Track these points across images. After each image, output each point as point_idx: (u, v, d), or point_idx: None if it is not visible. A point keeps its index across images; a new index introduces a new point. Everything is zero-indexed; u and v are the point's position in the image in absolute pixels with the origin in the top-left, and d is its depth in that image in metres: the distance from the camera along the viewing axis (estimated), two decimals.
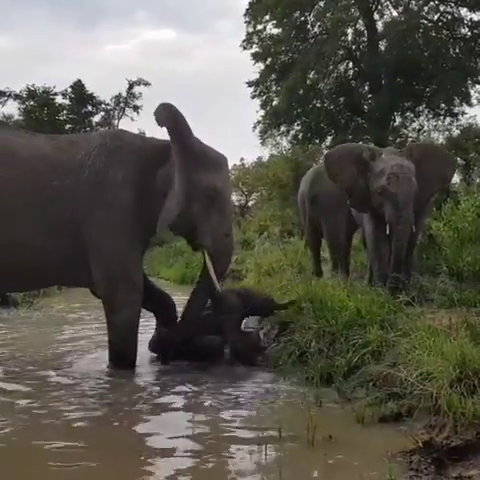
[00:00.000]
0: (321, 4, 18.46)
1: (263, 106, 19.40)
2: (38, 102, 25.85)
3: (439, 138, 18.88)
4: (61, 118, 26.49)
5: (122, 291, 5.50)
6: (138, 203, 5.49)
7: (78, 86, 26.67)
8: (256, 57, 19.08)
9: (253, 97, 19.41)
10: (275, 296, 6.13)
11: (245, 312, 5.89)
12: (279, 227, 15.09)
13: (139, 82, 27.40)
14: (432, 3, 18.34)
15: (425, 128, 19.40)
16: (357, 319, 4.93)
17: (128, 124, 30.50)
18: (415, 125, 19.57)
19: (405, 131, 19.56)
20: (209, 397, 4.59)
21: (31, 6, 52.01)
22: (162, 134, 5.73)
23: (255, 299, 5.93)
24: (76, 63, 43.71)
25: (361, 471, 3.03)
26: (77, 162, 5.48)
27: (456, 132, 19.00)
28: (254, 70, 19.23)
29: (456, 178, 17.09)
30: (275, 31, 19.12)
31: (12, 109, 30.23)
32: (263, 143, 20.23)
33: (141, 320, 5.74)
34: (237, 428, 3.91)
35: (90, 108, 27.41)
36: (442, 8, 18.35)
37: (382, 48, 18.45)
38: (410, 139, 18.61)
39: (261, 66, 19.19)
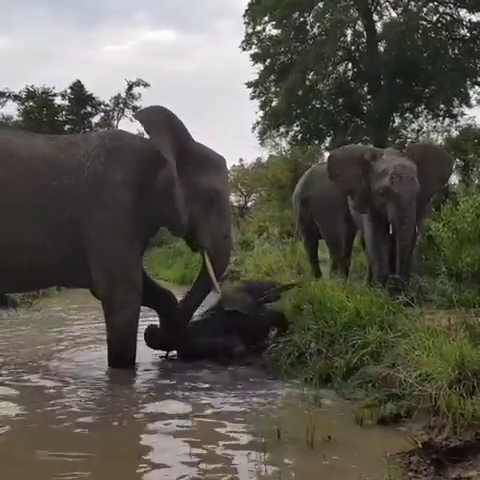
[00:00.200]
0: (320, 5, 18.46)
1: (262, 107, 19.40)
2: (37, 103, 25.86)
3: (438, 139, 18.90)
4: (60, 119, 26.50)
5: (122, 291, 5.51)
6: (138, 203, 5.50)
7: (77, 87, 26.68)
8: (255, 58, 19.08)
9: (252, 98, 19.42)
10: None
11: (258, 303, 5.84)
12: (278, 228, 15.09)
13: (138, 83, 27.43)
14: (431, 4, 18.35)
15: (424, 129, 19.42)
16: (356, 320, 4.93)
17: (127, 125, 30.62)
18: (414, 126, 19.59)
19: (404, 132, 19.57)
20: (207, 397, 4.58)
21: (31, 6, 52.11)
22: None
23: (262, 288, 5.96)
24: (75, 63, 43.78)
25: (360, 472, 3.03)
26: (76, 162, 5.48)
27: (455, 133, 19.02)
28: (253, 71, 19.26)
29: (455, 179, 17.13)
30: (274, 32, 19.14)
31: (11, 110, 30.29)
32: (262, 144, 20.26)
33: (140, 320, 5.75)
34: (236, 429, 3.91)
35: (89, 109, 27.43)
36: (441, 9, 18.36)
37: (381, 49, 18.46)
38: (409, 140, 18.62)
39: (260, 67, 19.21)
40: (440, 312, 5.22)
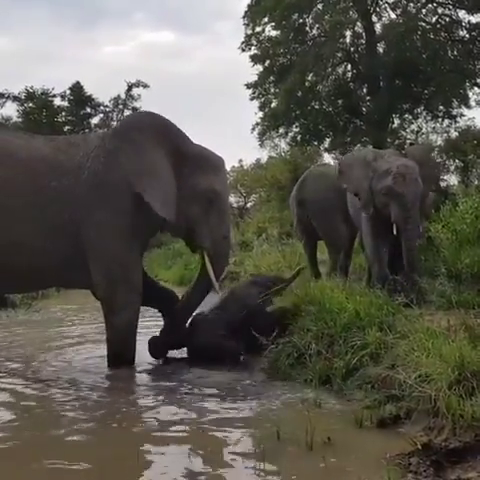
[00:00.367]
0: (319, 6, 18.46)
1: (261, 108, 19.39)
2: (37, 104, 25.83)
3: (437, 140, 18.89)
4: (60, 120, 26.46)
5: (122, 292, 5.51)
6: (137, 204, 5.50)
7: (77, 88, 26.65)
8: (255, 59, 19.07)
9: (252, 99, 19.40)
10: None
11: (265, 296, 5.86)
12: (277, 229, 15.10)
13: (138, 84, 27.37)
14: (430, 5, 18.34)
15: (423, 130, 19.40)
16: (356, 321, 4.92)
17: None
18: (413, 127, 19.55)
19: (403, 133, 19.56)
20: (206, 399, 4.59)
21: (30, 7, 52.01)
22: None
23: (269, 281, 6.04)
24: (75, 64, 43.66)
25: (360, 474, 3.03)
26: (76, 163, 5.49)
27: (454, 134, 19.02)
28: (253, 72, 19.25)
29: (454, 180, 17.13)
30: (273, 33, 19.11)
31: (11, 111, 30.24)
32: (262, 145, 20.21)
33: (140, 320, 5.76)
34: (235, 430, 3.91)
35: (89, 110, 27.39)
36: (440, 10, 18.35)
37: (380, 50, 18.45)
38: (408, 141, 18.61)
39: (260, 68, 19.20)
40: (439, 313, 5.22)
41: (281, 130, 19.45)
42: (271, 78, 19.19)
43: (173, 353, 6.05)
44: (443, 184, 15.42)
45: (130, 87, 27.34)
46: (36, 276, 5.62)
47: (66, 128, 26.09)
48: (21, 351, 6.53)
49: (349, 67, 19.36)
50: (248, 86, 19.29)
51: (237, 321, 5.66)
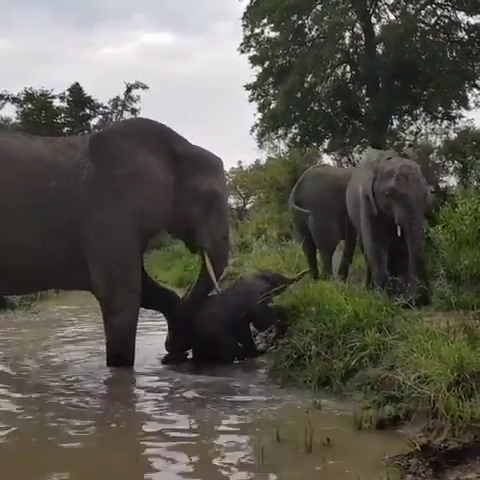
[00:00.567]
0: (318, 8, 18.47)
1: (261, 109, 19.39)
2: (36, 105, 25.81)
3: (436, 141, 18.89)
4: (59, 121, 26.43)
5: (121, 293, 5.52)
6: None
7: (76, 89, 26.65)
8: (254, 60, 19.08)
9: (251, 100, 19.40)
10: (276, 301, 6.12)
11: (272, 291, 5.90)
12: (277, 230, 15.08)
13: (137, 85, 27.36)
14: (429, 7, 18.36)
15: (422, 131, 19.39)
16: (355, 322, 4.93)
17: None
18: (412, 128, 19.56)
19: (402, 134, 19.57)
20: (206, 399, 4.59)
21: (30, 8, 51.88)
22: None
23: (276, 278, 6.09)
24: (74, 65, 43.52)
25: (359, 475, 3.03)
26: (75, 164, 5.49)
27: (453, 135, 19.01)
28: (252, 73, 19.26)
29: (453, 181, 17.12)
30: (273, 34, 19.10)
31: (10, 112, 30.24)
32: (261, 146, 20.21)
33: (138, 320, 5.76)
34: (235, 431, 3.91)
35: (88, 111, 27.38)
36: (439, 12, 18.36)
37: (379, 51, 18.46)
38: (407, 142, 18.62)
39: (259, 69, 19.20)
40: (439, 314, 5.22)
41: (280, 131, 19.46)
42: (270, 79, 19.19)
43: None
44: (442, 185, 15.41)
45: (129, 88, 27.32)
46: (35, 277, 5.62)
47: (65, 129, 26.06)
48: (19, 352, 6.52)
49: (348, 68, 19.37)
50: (247, 87, 19.30)
51: (240, 315, 5.69)
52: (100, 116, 28.00)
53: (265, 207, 21.48)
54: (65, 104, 26.81)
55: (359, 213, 6.84)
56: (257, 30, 19.13)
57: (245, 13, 19.07)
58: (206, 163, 5.84)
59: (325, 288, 5.86)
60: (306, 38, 18.78)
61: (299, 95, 18.27)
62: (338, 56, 18.72)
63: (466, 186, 15.66)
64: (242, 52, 19.18)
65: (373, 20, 18.64)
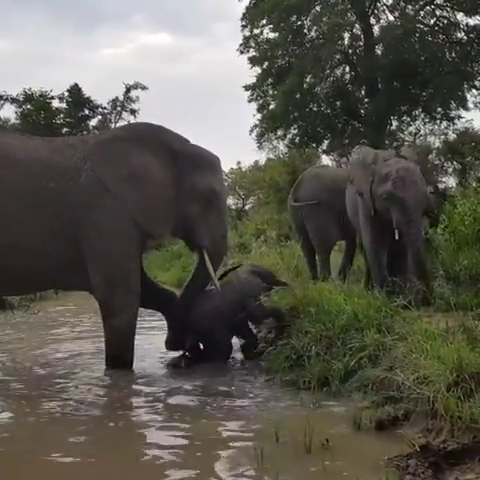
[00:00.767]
0: (318, 9, 18.49)
1: (260, 110, 19.41)
2: (35, 106, 25.81)
3: (435, 142, 18.91)
4: (58, 122, 26.43)
5: (120, 294, 5.52)
6: None
7: (75, 90, 26.64)
8: (253, 61, 19.10)
9: (250, 101, 19.43)
10: (272, 300, 6.13)
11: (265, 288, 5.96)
12: (276, 231, 15.07)
13: (136, 86, 27.37)
14: (428, 8, 18.38)
15: (421, 132, 19.42)
16: (354, 323, 4.93)
17: None
18: (411, 129, 19.59)
19: (401, 135, 19.59)
20: (205, 400, 4.58)
21: (29, 9, 51.90)
22: None
23: (269, 275, 6.17)
24: (73, 66, 43.54)
25: (358, 476, 3.03)
26: (73, 164, 5.49)
27: (452, 136, 19.04)
28: (251, 74, 19.27)
29: (452, 182, 17.13)
30: (272, 35, 19.14)
31: (9, 113, 30.22)
32: (260, 147, 20.23)
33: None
34: (234, 432, 3.90)
35: (87, 112, 27.38)
36: (438, 13, 18.40)
37: (378, 52, 18.48)
38: (406, 143, 18.64)
39: (258, 70, 19.22)
40: (438, 315, 5.22)
41: (279, 132, 19.48)
42: (269, 80, 19.22)
43: (172, 353, 6.06)
44: (441, 186, 15.42)
45: (128, 89, 27.33)
46: (34, 278, 5.62)
47: (64, 130, 26.07)
48: (18, 353, 6.52)
49: (347, 69, 19.39)
50: (246, 88, 19.32)
51: (237, 311, 5.71)
52: (99, 117, 28.02)
53: (264, 208, 21.48)
54: (64, 105, 26.82)
55: (358, 214, 6.84)
56: (256, 31, 19.17)
57: (244, 14, 19.10)
58: (204, 161, 5.86)
59: (324, 289, 5.86)
60: (305, 39, 18.80)
61: (298, 96, 18.30)
62: (337, 57, 18.74)
63: (465, 187, 15.68)
64: (241, 53, 19.23)
65: (372, 21, 18.68)
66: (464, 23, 18.01)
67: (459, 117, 18.64)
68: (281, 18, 18.28)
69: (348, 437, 3.68)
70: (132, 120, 27.78)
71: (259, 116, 19.45)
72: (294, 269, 8.32)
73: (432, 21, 18.39)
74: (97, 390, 5.01)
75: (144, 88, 27.54)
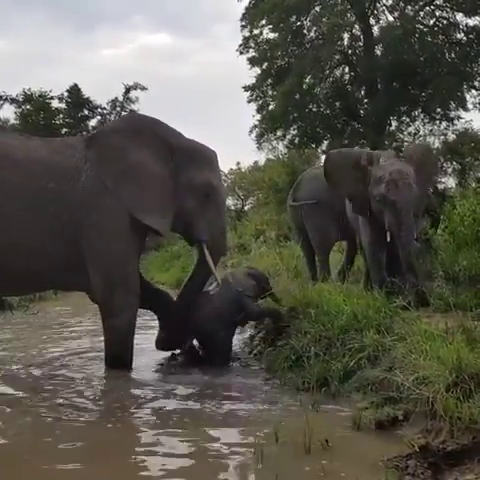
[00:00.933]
0: (317, 9, 18.49)
1: (259, 110, 19.41)
2: (34, 106, 25.79)
3: (435, 143, 18.91)
4: (57, 122, 26.41)
5: (120, 294, 5.52)
6: None
7: (74, 90, 26.63)
8: (252, 62, 19.10)
9: (249, 101, 19.42)
10: (271, 301, 6.13)
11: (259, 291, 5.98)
12: (275, 231, 15.07)
13: (136, 86, 27.35)
14: (428, 8, 18.39)
15: (421, 132, 19.42)
16: (353, 323, 4.93)
17: None
18: (411, 129, 19.58)
19: (401, 135, 19.59)
20: (204, 401, 4.58)
21: (29, 10, 52.01)
22: None
23: (264, 278, 6.18)
24: (73, 67, 43.62)
25: (357, 476, 3.03)
26: (73, 165, 5.49)
27: (452, 137, 19.05)
28: (250, 75, 19.27)
29: (452, 182, 17.16)
30: (271, 36, 19.14)
31: (8, 113, 30.22)
32: (259, 147, 20.22)
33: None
34: (233, 433, 3.91)
35: (86, 112, 27.36)
36: (438, 13, 18.40)
37: (378, 53, 18.48)
38: (406, 143, 18.64)
39: (257, 70, 19.22)
40: (437, 315, 5.21)
41: (279, 132, 19.47)
42: (269, 80, 19.21)
43: (173, 352, 6.06)
44: (441, 186, 15.43)
45: (128, 89, 27.28)
46: (34, 278, 5.61)
47: (64, 130, 26.04)
48: (17, 353, 6.51)
49: (347, 69, 19.39)
50: (246, 88, 19.31)
51: (232, 311, 5.74)
52: (98, 117, 27.97)
53: (264, 208, 21.50)
54: (63, 105, 26.79)
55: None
56: (256, 31, 19.17)
57: (244, 14, 19.10)
58: (201, 156, 5.86)
59: (324, 289, 5.86)
60: (305, 39, 18.80)
61: (298, 96, 18.29)
62: (337, 57, 18.75)
63: (464, 187, 15.69)
64: (241, 53, 19.22)
65: (372, 21, 18.68)
66: (464, 24, 18.02)
67: (458, 118, 18.65)
68: (280, 18, 18.28)
69: (347, 438, 3.68)
70: None
71: (258, 117, 19.45)
72: (293, 270, 8.32)
73: (432, 21, 18.39)
74: (96, 390, 5.01)
75: (144, 89, 27.51)
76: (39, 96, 26.09)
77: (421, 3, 18.25)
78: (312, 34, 18.81)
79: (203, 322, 5.71)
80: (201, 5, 53.17)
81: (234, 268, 11.53)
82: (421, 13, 18.35)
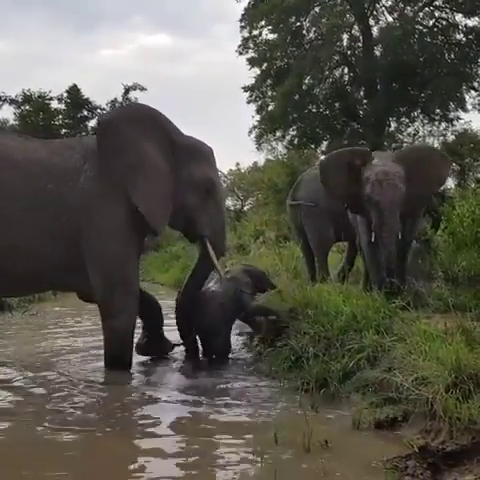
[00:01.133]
0: (316, 10, 18.52)
1: (259, 111, 19.44)
2: (34, 107, 25.78)
3: (434, 143, 18.93)
4: (57, 123, 26.40)
5: (120, 295, 5.51)
6: (135, 206, 5.50)
7: (74, 91, 26.62)
8: (252, 62, 19.12)
9: (249, 102, 19.46)
10: (271, 301, 6.13)
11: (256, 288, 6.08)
12: (275, 232, 15.07)
13: (135, 87, 27.35)
14: (427, 9, 18.42)
15: (420, 133, 19.47)
16: (353, 324, 4.93)
17: None
18: (410, 130, 19.64)
19: (400, 136, 19.62)
20: (204, 402, 4.58)
21: (29, 10, 52.06)
22: None
23: (261, 276, 6.28)
24: (73, 67, 43.69)
25: (357, 477, 3.03)
26: (72, 166, 5.48)
27: (451, 137, 19.08)
28: (250, 75, 19.30)
29: (451, 183, 17.16)
30: (271, 36, 19.19)
31: (8, 113, 30.23)
32: (259, 148, 20.26)
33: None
34: (233, 433, 3.90)
35: (86, 113, 27.36)
36: (437, 14, 18.43)
37: (377, 53, 18.51)
38: (405, 144, 18.66)
39: (257, 71, 19.25)
40: (436, 316, 5.21)
41: (278, 133, 19.51)
42: (268, 81, 19.25)
43: (172, 352, 6.06)
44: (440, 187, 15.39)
45: (127, 90, 27.27)
46: (34, 279, 5.60)
47: (63, 131, 26.03)
48: (16, 354, 6.51)
49: (346, 70, 19.43)
50: (245, 89, 19.35)
51: (233, 308, 5.81)
52: (98, 118, 27.99)
53: (263, 209, 21.51)
54: (63, 106, 26.79)
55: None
56: (255, 32, 19.21)
57: (243, 15, 19.13)
58: (199, 152, 5.88)
59: (323, 290, 5.86)
60: (304, 40, 18.83)
61: (297, 97, 18.32)
62: (336, 58, 18.78)
63: (464, 188, 15.70)
64: (240, 54, 19.27)
65: (371, 22, 18.72)
66: (463, 24, 18.08)
67: (458, 118, 18.70)
68: (280, 19, 18.32)
69: (347, 438, 3.68)
70: None
71: (258, 117, 19.49)
72: (293, 270, 8.32)
73: (431, 22, 18.43)
74: (94, 392, 4.99)
75: (143, 89, 27.50)
76: (38, 97, 26.08)
77: (420, 4, 18.28)
78: (311, 35, 18.86)
79: (208, 319, 5.73)
80: (201, 5, 53.31)
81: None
82: (420, 14, 18.39)
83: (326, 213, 7.76)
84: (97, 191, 5.44)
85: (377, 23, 18.97)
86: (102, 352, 5.72)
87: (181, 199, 5.69)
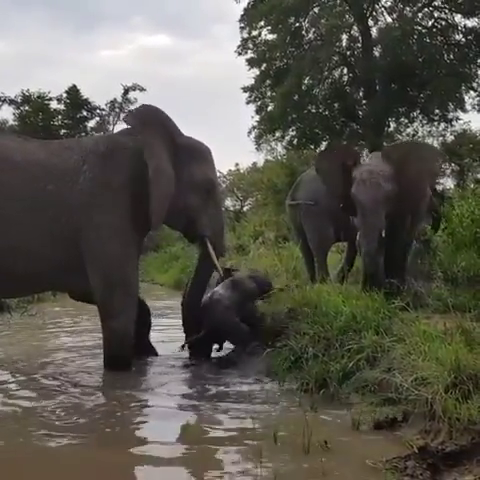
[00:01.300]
0: (316, 10, 18.53)
1: (258, 111, 19.44)
2: (33, 107, 25.79)
3: (433, 144, 18.93)
4: (56, 123, 26.42)
5: (119, 295, 5.51)
6: (135, 206, 5.50)
7: (73, 91, 26.63)
8: (251, 63, 19.12)
9: (248, 102, 19.46)
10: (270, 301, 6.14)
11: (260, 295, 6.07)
12: (274, 232, 15.07)
13: (134, 87, 27.37)
14: (426, 9, 18.43)
15: (419, 134, 19.47)
16: (352, 324, 4.93)
17: None
18: (409, 130, 19.64)
19: (400, 136, 19.62)
20: (204, 402, 4.58)
21: (28, 10, 51.93)
22: None
23: (266, 282, 6.26)
24: (72, 67, 43.61)
25: (356, 477, 3.03)
26: (71, 166, 5.48)
27: (450, 138, 19.10)
28: (249, 76, 19.30)
29: (451, 183, 17.18)
30: (270, 37, 19.18)
31: (7, 114, 30.22)
32: (258, 148, 20.27)
33: None
34: (232, 434, 3.90)
35: (85, 113, 27.36)
36: (436, 14, 18.43)
37: (377, 54, 18.51)
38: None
39: (256, 72, 19.25)
40: (436, 316, 5.22)
41: (277, 134, 19.51)
42: (267, 82, 19.24)
43: (172, 353, 6.06)
44: (439, 187, 15.44)
45: (126, 90, 27.30)
46: (34, 280, 5.60)
47: (62, 131, 26.04)
48: (15, 354, 6.50)
49: (345, 71, 19.43)
50: (245, 89, 19.34)
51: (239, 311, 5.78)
52: (97, 118, 28.00)
53: (262, 209, 21.50)
54: (62, 106, 26.79)
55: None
56: (254, 32, 19.21)
57: (242, 15, 19.12)
58: (199, 153, 5.90)
59: (322, 290, 5.86)
60: (303, 40, 18.83)
61: (296, 97, 18.32)
62: (335, 59, 18.78)
63: (463, 188, 15.71)
64: (239, 54, 19.26)
65: (370, 23, 18.72)
66: (462, 25, 18.08)
67: (457, 119, 18.71)
68: (279, 20, 18.31)
69: (346, 438, 3.68)
70: None
71: (257, 118, 19.49)
72: (292, 270, 8.32)
73: (430, 23, 18.43)
74: (93, 392, 4.99)
75: (142, 89, 27.54)
76: (38, 97, 26.09)
77: (420, 4, 18.29)
78: (311, 35, 18.86)
79: (218, 318, 5.70)
80: (200, 6, 53.25)
81: (233, 268, 11.56)
82: (420, 14, 18.39)
83: (325, 213, 7.76)
84: (96, 191, 5.44)
85: (376, 24, 18.99)
86: (101, 352, 5.72)
87: (183, 200, 5.70)
